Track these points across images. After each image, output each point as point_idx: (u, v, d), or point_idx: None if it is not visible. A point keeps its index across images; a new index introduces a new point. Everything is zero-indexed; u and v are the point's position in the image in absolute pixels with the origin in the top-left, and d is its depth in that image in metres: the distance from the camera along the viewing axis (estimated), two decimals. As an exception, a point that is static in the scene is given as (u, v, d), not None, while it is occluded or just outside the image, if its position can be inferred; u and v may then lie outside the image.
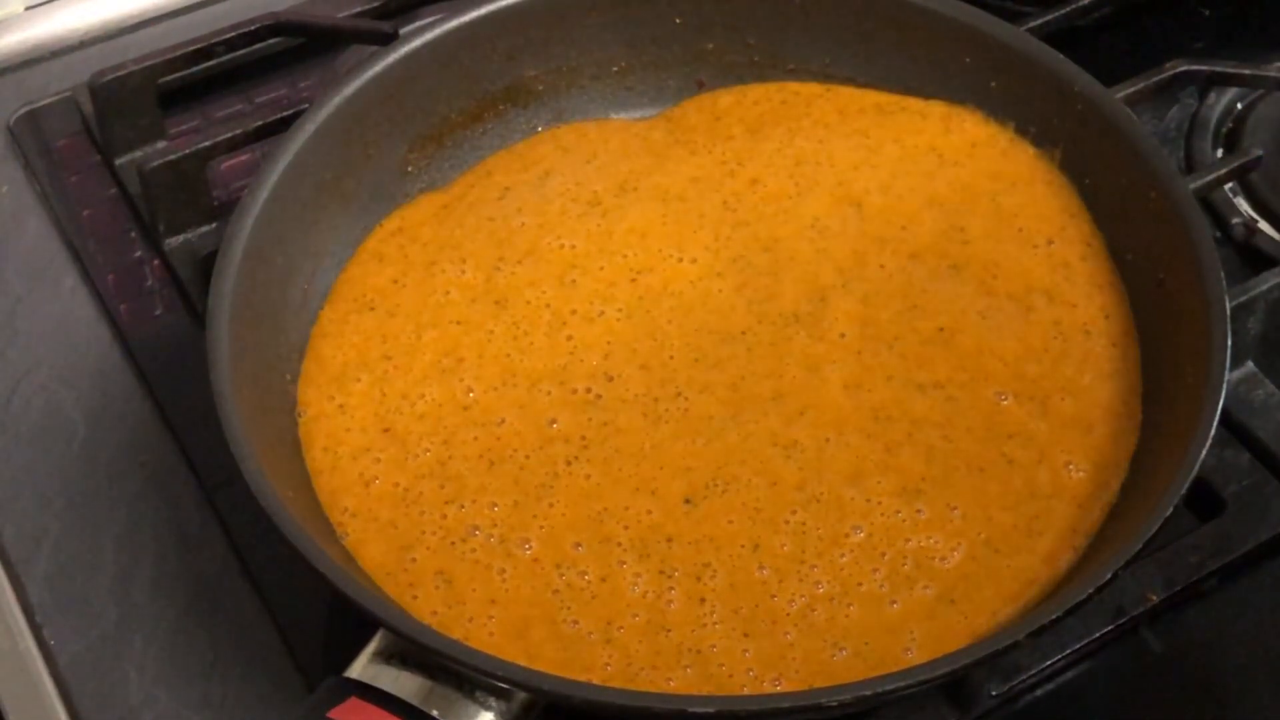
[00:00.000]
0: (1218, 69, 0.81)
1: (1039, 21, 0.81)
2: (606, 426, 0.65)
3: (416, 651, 0.54)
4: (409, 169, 0.75)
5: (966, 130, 0.75)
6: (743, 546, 0.61)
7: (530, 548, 0.61)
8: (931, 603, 0.60)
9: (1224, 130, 0.82)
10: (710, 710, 0.54)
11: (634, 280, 0.70)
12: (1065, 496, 0.63)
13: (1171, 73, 0.79)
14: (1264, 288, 0.71)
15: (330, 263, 0.71)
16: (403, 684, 0.54)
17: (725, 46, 0.78)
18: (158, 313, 0.76)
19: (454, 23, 0.75)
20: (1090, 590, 0.55)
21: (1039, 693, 0.63)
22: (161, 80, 0.81)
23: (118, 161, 0.82)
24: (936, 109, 0.76)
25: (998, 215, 0.72)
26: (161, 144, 0.82)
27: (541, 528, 0.62)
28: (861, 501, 0.62)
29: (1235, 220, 0.79)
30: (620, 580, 0.61)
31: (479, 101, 0.77)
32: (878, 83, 0.77)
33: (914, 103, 0.76)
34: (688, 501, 0.63)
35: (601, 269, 0.71)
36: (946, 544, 0.61)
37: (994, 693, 0.63)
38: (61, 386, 0.73)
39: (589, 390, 0.66)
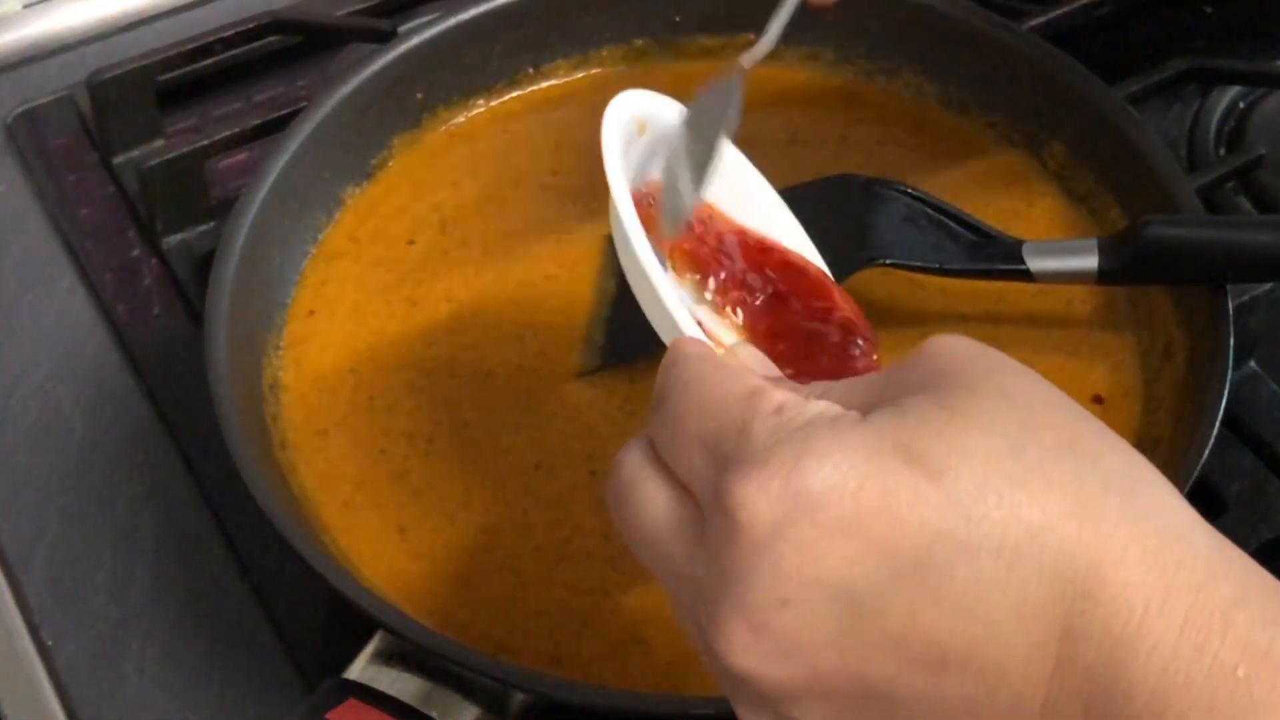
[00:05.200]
0: (1220, 67, 0.81)
1: (1040, 20, 0.81)
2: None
3: (415, 652, 0.54)
4: (408, 167, 0.75)
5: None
6: None
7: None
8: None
9: (1226, 129, 0.82)
10: (710, 711, 0.54)
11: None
12: None
13: (1173, 71, 0.79)
14: (1266, 287, 0.71)
15: (329, 262, 0.71)
16: (401, 685, 0.54)
17: (725, 43, 0.78)
18: (155, 312, 0.76)
19: (453, 20, 0.75)
20: (1092, 591, 0.55)
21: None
22: (159, 78, 0.81)
23: (115, 160, 0.81)
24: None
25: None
26: (159, 142, 0.82)
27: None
28: None
29: (1237, 219, 0.79)
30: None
31: (478, 100, 0.77)
32: (879, 78, 0.77)
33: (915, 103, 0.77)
34: None
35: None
36: None
37: (995, 694, 0.62)
38: (59, 386, 0.73)
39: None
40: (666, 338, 0.49)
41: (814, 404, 0.41)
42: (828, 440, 0.39)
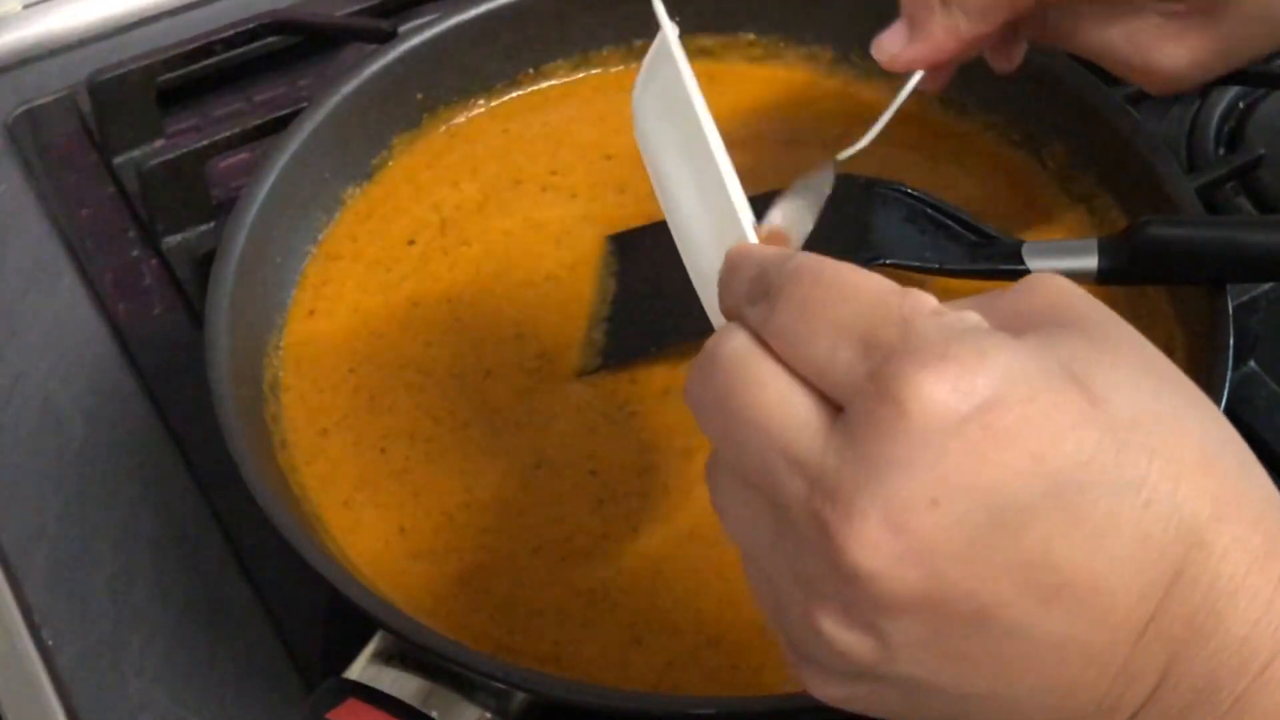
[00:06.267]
0: (1219, 67, 0.81)
1: (1040, 20, 0.81)
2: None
3: (415, 652, 0.54)
4: (408, 168, 0.75)
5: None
6: None
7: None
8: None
9: (1226, 129, 0.82)
10: (710, 711, 0.54)
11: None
12: None
13: (1173, 71, 0.79)
14: (1266, 287, 0.71)
15: (329, 262, 0.71)
16: (402, 685, 0.54)
17: (725, 43, 0.78)
18: (156, 312, 0.76)
19: (453, 20, 0.75)
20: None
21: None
22: (160, 79, 0.81)
23: (116, 160, 0.81)
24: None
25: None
26: (160, 143, 0.82)
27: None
28: None
29: (1237, 219, 0.79)
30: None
31: (478, 100, 0.77)
32: (879, 78, 0.77)
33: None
34: None
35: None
36: None
37: (995, 693, 0.62)
38: (59, 386, 0.73)
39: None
40: (721, 239, 0.46)
41: (969, 314, 0.40)
42: (1001, 347, 0.39)
